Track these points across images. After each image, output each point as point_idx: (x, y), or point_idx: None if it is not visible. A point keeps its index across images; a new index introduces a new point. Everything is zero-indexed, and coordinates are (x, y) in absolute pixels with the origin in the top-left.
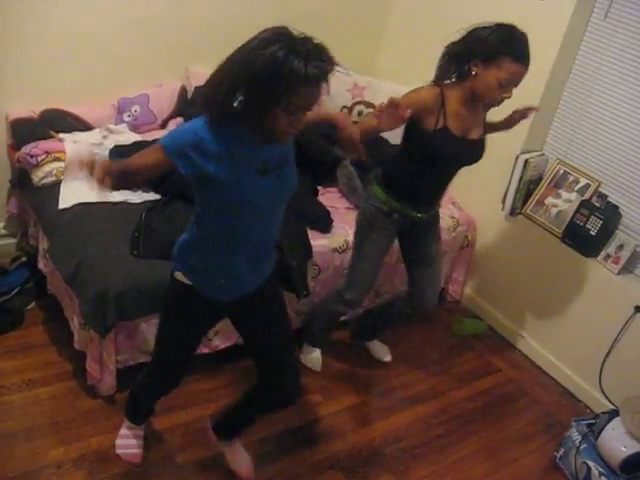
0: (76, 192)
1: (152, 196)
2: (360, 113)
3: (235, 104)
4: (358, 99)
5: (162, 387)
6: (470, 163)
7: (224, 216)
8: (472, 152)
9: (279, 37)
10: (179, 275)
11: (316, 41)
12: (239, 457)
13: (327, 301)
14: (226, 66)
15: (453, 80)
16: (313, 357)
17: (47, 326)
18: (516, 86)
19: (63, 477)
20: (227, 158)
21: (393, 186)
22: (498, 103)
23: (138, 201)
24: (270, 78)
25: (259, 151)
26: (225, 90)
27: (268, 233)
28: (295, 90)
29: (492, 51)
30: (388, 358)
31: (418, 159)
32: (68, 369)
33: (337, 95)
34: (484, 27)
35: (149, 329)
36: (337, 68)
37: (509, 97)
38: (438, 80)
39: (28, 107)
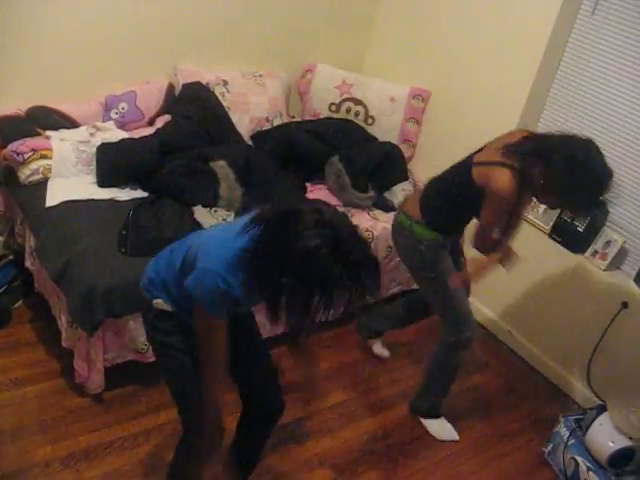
0: (63, 190)
1: (140, 193)
2: (349, 110)
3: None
4: (346, 96)
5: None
6: None
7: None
8: None
9: (333, 240)
10: (159, 303)
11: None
12: None
13: (442, 362)
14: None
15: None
16: (446, 428)
17: (34, 324)
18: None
19: (51, 476)
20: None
21: (435, 222)
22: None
23: (126, 198)
24: (314, 279)
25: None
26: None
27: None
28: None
29: (569, 193)
30: (387, 354)
31: (470, 203)
32: (56, 367)
33: (325, 92)
34: (577, 162)
35: (137, 327)
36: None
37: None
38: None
39: (14, 104)
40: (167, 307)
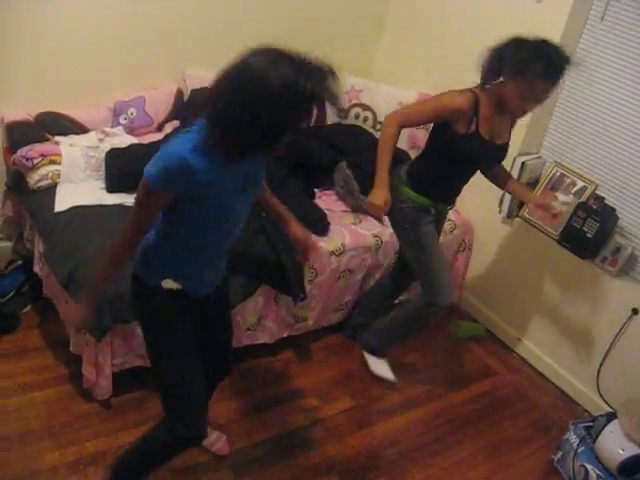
0: (72, 195)
1: None
2: (357, 115)
3: (250, 134)
4: (355, 101)
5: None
6: (494, 164)
7: (204, 229)
8: (497, 155)
9: (281, 59)
10: (168, 282)
11: (315, 56)
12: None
13: (408, 312)
14: (232, 99)
15: (487, 85)
16: (385, 367)
17: (43, 330)
18: (540, 103)
19: None
20: (216, 182)
21: (422, 184)
22: (521, 115)
23: None
24: (290, 105)
25: (242, 167)
26: (239, 123)
27: (238, 228)
28: (310, 112)
29: (522, 67)
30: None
31: (446, 159)
32: (64, 373)
33: None
34: (524, 40)
35: None
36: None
37: (531, 111)
38: (481, 84)
39: (24, 110)
40: (175, 285)
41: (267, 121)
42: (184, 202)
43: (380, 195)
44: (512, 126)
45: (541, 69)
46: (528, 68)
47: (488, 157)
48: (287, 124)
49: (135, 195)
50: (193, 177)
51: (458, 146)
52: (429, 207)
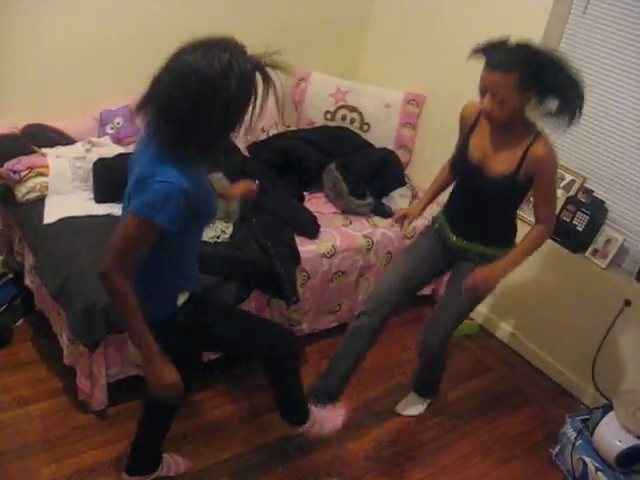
0: (60, 206)
1: None
2: (344, 117)
3: (210, 131)
4: (341, 103)
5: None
6: (483, 198)
7: (193, 234)
8: (485, 189)
9: (224, 48)
10: (179, 299)
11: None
12: None
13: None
14: (188, 97)
15: None
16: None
17: (36, 342)
18: (494, 95)
19: None
20: (196, 188)
21: (448, 198)
22: (485, 116)
23: None
24: (247, 94)
25: (203, 169)
26: (200, 120)
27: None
28: (255, 82)
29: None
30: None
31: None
32: (58, 385)
33: (320, 100)
34: None
35: None
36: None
37: (485, 107)
38: None
39: (9, 123)
40: (184, 296)
41: (224, 106)
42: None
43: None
44: (523, 163)
45: (484, 58)
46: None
47: (471, 182)
48: (241, 101)
49: (123, 230)
50: (190, 198)
51: (454, 158)
52: (435, 221)
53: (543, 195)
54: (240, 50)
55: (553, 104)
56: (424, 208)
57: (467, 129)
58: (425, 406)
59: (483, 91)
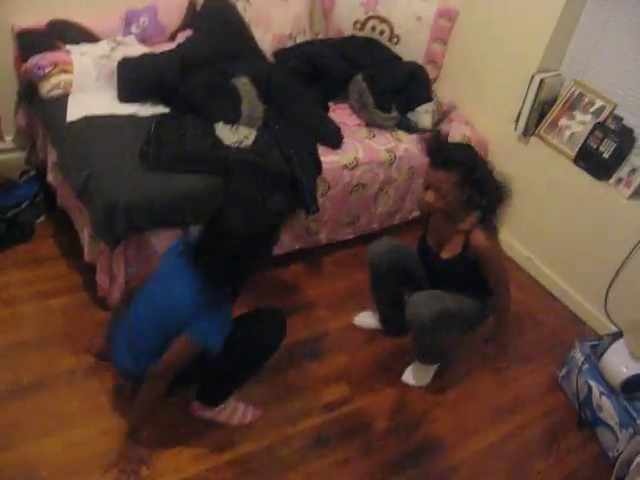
0: (84, 105)
1: (161, 109)
2: (373, 28)
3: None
4: (372, 13)
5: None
6: (437, 278)
7: None
8: (440, 267)
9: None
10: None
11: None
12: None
13: None
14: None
15: None
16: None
17: (57, 239)
18: (434, 189)
19: (75, 384)
20: None
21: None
22: (429, 207)
23: (147, 114)
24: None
25: None
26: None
27: None
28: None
29: None
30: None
31: None
32: (78, 281)
33: (350, 9)
34: None
35: (158, 242)
36: None
37: (431, 202)
38: None
39: (35, 18)
40: None
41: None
42: None
43: None
44: (465, 247)
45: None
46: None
47: (429, 263)
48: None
49: (174, 355)
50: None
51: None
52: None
53: (489, 274)
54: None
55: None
56: None
57: (425, 219)
58: (432, 374)
59: (427, 186)
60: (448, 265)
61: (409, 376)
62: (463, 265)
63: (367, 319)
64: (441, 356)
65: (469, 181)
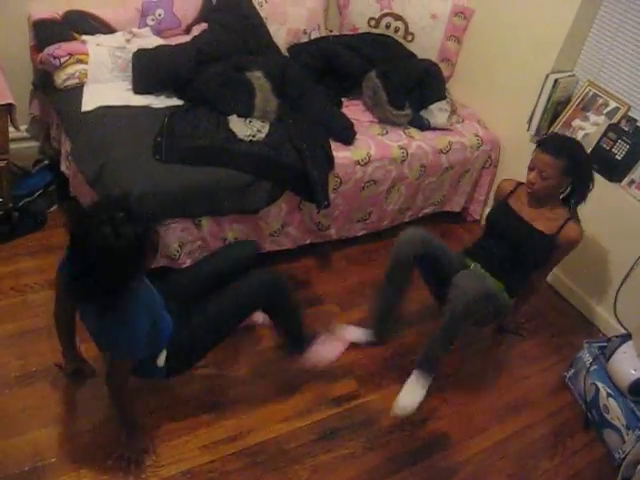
0: (99, 95)
1: (175, 101)
2: (388, 25)
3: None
4: (387, 10)
5: None
6: (514, 240)
7: None
8: (520, 229)
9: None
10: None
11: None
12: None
13: None
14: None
15: None
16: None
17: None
18: (539, 173)
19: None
20: None
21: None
22: (528, 187)
23: (161, 106)
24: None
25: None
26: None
27: None
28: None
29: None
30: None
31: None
32: None
33: (365, 6)
34: None
35: (170, 233)
36: None
37: (530, 179)
38: None
39: (51, 8)
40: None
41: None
42: None
43: None
44: (560, 232)
45: (541, 140)
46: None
47: (511, 226)
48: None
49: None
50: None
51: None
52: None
53: (554, 262)
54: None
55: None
56: None
57: (502, 198)
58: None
59: (533, 166)
60: (539, 239)
61: (404, 399)
62: (551, 245)
63: (354, 332)
64: (437, 366)
65: (574, 174)
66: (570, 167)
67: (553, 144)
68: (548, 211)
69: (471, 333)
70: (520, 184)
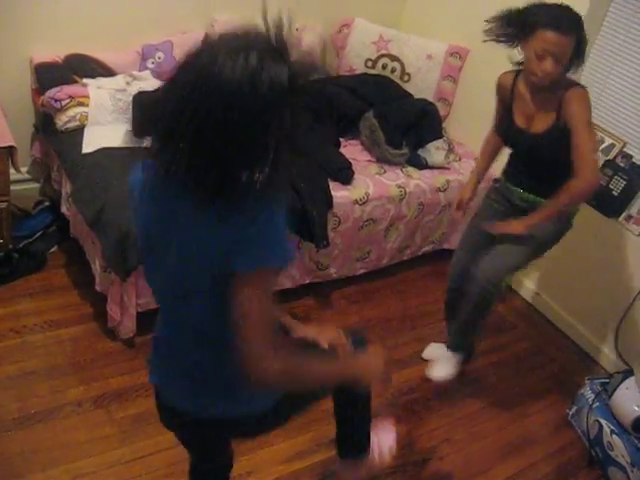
0: (99, 137)
1: None
2: (385, 66)
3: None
4: (383, 52)
5: None
6: (534, 155)
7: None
8: (533, 144)
9: (253, 49)
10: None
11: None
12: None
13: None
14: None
15: None
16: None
17: (69, 269)
18: (556, 58)
19: (83, 415)
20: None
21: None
22: (539, 79)
23: None
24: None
25: (174, 209)
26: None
27: (175, 330)
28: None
29: (531, 24)
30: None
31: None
32: (89, 311)
33: (362, 47)
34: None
35: None
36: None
37: (547, 70)
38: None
39: (52, 51)
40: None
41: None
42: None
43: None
44: (560, 112)
45: (545, 18)
46: (533, 22)
47: (520, 144)
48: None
49: (257, 291)
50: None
51: (499, 126)
52: (497, 181)
53: (574, 145)
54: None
55: None
56: (477, 184)
57: (507, 97)
58: (456, 367)
59: (545, 53)
60: (545, 137)
61: (438, 369)
62: (559, 132)
63: (435, 350)
64: (472, 345)
65: (579, 41)
66: (579, 36)
67: (564, 22)
68: (553, 95)
69: (470, 371)
70: (518, 73)
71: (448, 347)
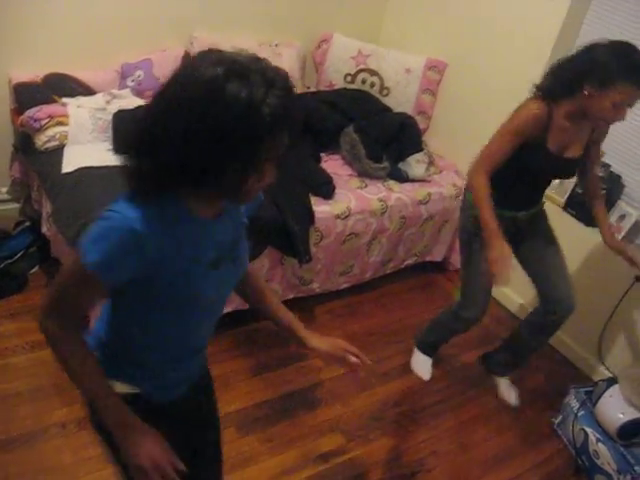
0: (79, 156)
1: None
2: (364, 81)
3: (198, 173)
4: (362, 66)
5: None
6: (563, 178)
7: (160, 320)
8: (565, 169)
9: (228, 66)
10: (118, 386)
11: (267, 62)
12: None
13: (442, 319)
14: (166, 124)
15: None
16: (423, 363)
17: None
18: (631, 107)
19: (67, 437)
20: (173, 252)
21: (494, 197)
22: (610, 123)
23: None
24: (249, 126)
25: (209, 231)
26: (179, 156)
27: (214, 318)
28: (277, 134)
29: (610, 76)
30: (514, 402)
31: (511, 169)
32: None
33: (341, 63)
34: (601, 46)
35: None
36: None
37: (624, 118)
38: (546, 95)
39: (31, 71)
40: (128, 389)
41: (216, 149)
42: (130, 286)
43: (498, 244)
44: (593, 139)
45: (625, 73)
46: (611, 75)
47: (554, 170)
48: (251, 151)
49: (62, 269)
50: (145, 251)
51: (523, 156)
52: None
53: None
54: (272, 83)
55: None
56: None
57: (539, 130)
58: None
59: (626, 105)
60: (578, 160)
61: (513, 397)
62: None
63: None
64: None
65: None
66: None
67: None
68: (588, 121)
69: (455, 382)
70: (549, 106)
71: (502, 375)
